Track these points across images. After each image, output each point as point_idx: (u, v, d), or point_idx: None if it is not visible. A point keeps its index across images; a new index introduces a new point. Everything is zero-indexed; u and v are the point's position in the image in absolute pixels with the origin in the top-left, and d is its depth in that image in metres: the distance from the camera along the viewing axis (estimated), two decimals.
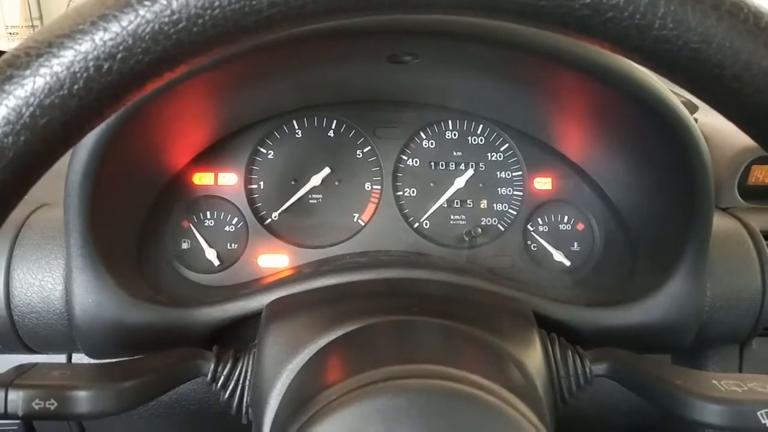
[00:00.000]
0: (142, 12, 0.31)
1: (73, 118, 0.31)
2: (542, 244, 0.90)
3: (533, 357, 0.61)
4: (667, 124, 0.67)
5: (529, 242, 0.91)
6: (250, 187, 0.90)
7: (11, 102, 0.30)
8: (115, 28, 0.30)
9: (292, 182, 0.90)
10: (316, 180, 0.90)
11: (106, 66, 0.31)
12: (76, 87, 0.31)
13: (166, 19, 0.31)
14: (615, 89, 0.67)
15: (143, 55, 0.31)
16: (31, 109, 0.30)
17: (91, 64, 0.30)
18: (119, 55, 0.31)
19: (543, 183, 0.91)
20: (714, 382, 0.57)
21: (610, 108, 0.73)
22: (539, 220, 0.91)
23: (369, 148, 0.91)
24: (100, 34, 0.30)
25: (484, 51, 0.67)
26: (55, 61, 0.30)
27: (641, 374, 0.62)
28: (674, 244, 0.74)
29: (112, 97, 0.32)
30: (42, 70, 0.30)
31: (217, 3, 0.31)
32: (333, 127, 0.91)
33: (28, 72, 0.30)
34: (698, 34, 0.31)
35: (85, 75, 0.31)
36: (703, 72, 0.32)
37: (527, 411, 0.47)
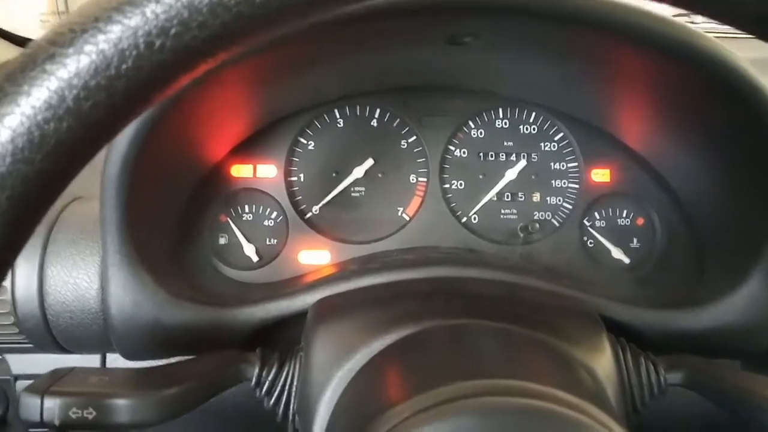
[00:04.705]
0: None
1: (120, 101, 0.27)
2: (599, 240, 0.85)
3: (604, 364, 0.57)
4: (750, 110, 0.61)
5: (585, 238, 0.85)
6: (290, 179, 0.85)
7: (53, 84, 0.26)
8: None
9: (334, 174, 0.86)
10: (358, 172, 0.86)
11: (158, 43, 0.27)
12: (124, 67, 0.26)
13: None
14: (691, 68, 0.61)
15: (199, 30, 0.27)
16: (75, 91, 0.26)
17: (141, 40, 0.26)
18: (173, 30, 0.27)
19: (600, 174, 0.85)
20: None
21: (681, 90, 0.67)
22: (596, 214, 0.85)
23: (414, 138, 0.87)
24: (152, 6, 0.26)
25: (549, 28, 0.62)
26: (101, 37, 0.26)
27: (723, 384, 0.57)
28: (750, 243, 0.68)
29: (163, 79, 0.28)
30: (87, 48, 0.26)
31: None
32: (376, 116, 0.86)
33: (71, 50, 0.26)
34: None
35: (134, 53, 0.26)
36: None
37: (614, 425, 0.43)
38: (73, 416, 0.51)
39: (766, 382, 0.57)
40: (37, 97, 0.26)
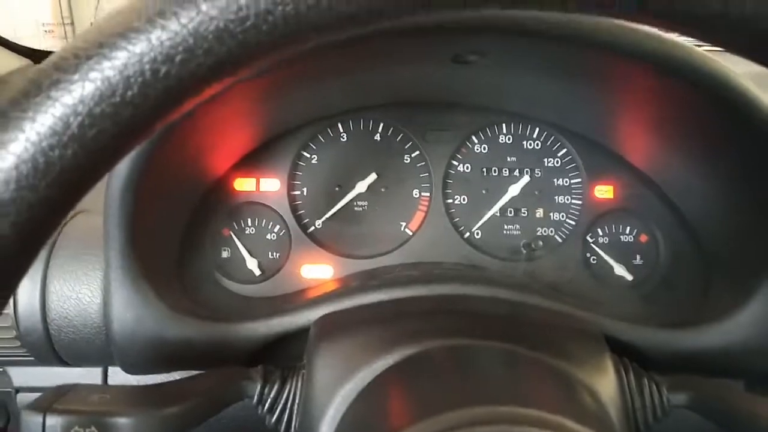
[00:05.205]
0: (205, 8, 0.26)
1: (125, 128, 0.27)
2: (603, 257, 0.84)
3: (607, 386, 0.56)
4: (750, 128, 0.61)
5: (588, 255, 0.85)
6: (293, 193, 0.85)
7: (58, 110, 0.26)
8: (174, 26, 0.26)
9: (337, 188, 0.86)
10: (361, 186, 0.86)
11: (163, 70, 0.27)
12: (129, 93, 0.26)
13: (233, 16, 0.27)
14: (692, 87, 0.61)
15: (205, 57, 0.27)
16: (80, 118, 0.26)
17: (147, 67, 0.26)
18: (178, 57, 0.27)
19: (604, 191, 0.85)
20: None
21: (684, 108, 0.67)
22: (599, 231, 0.85)
23: (418, 153, 0.86)
24: (158, 32, 0.26)
25: (555, 48, 0.62)
26: (106, 64, 0.26)
27: (727, 406, 0.57)
28: (756, 260, 0.68)
29: (169, 105, 0.28)
30: (92, 75, 0.26)
31: None
32: (380, 130, 0.86)
33: (76, 76, 0.26)
34: None
35: (140, 80, 0.26)
36: None
37: None
38: None
39: None
40: (41, 123, 0.26)
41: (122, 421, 0.51)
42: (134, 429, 0.51)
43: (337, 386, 0.55)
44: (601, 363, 0.58)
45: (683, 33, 0.31)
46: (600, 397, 0.54)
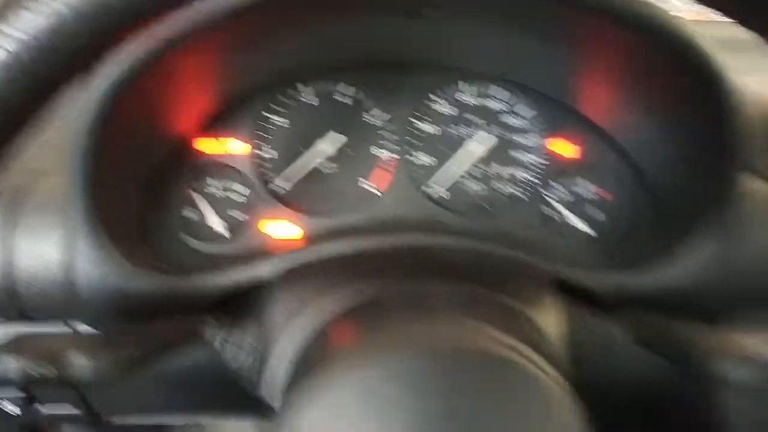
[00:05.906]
0: None
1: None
2: (564, 213, 0.86)
3: (556, 324, 0.58)
4: (701, 77, 0.63)
5: (549, 211, 0.86)
6: (257, 152, 0.86)
7: None
8: None
9: (302, 149, 0.86)
10: (327, 147, 0.86)
11: None
12: None
13: None
14: (649, 40, 0.62)
15: None
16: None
17: None
18: None
19: (565, 149, 0.86)
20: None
21: (644, 62, 0.69)
22: (561, 187, 0.87)
23: (381, 112, 0.87)
24: None
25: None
26: None
27: (672, 339, 0.59)
28: (701, 206, 0.70)
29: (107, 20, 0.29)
30: None
31: None
32: (343, 91, 0.87)
33: None
34: None
35: None
36: None
37: (555, 374, 0.44)
38: (34, 373, 0.51)
39: (719, 337, 0.58)
40: None
41: (81, 359, 0.51)
42: (93, 366, 0.51)
43: (290, 319, 0.56)
44: (550, 303, 0.60)
45: None
46: (549, 334, 0.56)
